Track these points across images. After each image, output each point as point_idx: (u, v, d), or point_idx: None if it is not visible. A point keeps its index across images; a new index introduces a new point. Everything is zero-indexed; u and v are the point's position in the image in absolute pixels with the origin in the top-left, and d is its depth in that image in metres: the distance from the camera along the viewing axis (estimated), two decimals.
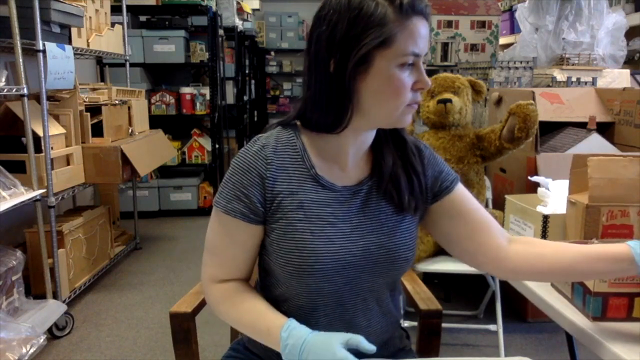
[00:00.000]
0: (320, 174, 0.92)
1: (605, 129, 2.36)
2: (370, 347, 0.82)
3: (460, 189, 1.01)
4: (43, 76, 2.21)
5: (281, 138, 0.93)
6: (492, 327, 2.17)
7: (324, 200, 0.92)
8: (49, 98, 2.41)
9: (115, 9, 3.35)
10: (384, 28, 0.83)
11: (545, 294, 1.12)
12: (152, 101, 4.15)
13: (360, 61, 0.85)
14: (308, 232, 0.89)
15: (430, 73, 3.66)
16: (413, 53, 0.85)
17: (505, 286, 1.77)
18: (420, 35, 0.86)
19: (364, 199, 0.94)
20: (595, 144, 2.21)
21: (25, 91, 2.13)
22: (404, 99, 0.87)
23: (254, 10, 6.47)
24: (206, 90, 4.25)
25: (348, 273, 0.91)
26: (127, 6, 3.50)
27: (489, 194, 2.26)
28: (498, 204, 2.23)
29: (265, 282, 1.00)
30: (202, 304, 1.19)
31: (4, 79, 2.09)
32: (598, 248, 0.91)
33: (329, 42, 0.86)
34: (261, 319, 0.90)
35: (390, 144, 0.97)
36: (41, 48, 2.18)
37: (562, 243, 0.97)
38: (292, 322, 0.87)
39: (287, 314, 0.90)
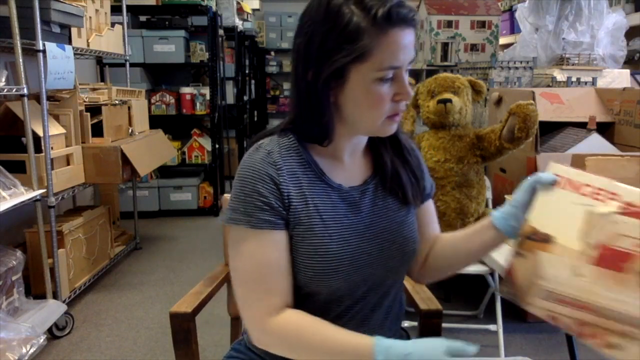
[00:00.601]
0: (328, 175, 0.92)
1: (605, 129, 2.36)
2: (473, 349, 0.77)
3: (430, 202, 1.06)
4: (43, 76, 2.21)
5: (283, 143, 0.91)
6: (492, 327, 2.17)
7: (336, 202, 0.91)
8: (49, 98, 2.41)
9: (115, 9, 3.35)
10: (359, 43, 0.80)
11: None
12: (152, 101, 4.15)
13: (335, 75, 0.83)
14: (327, 236, 0.89)
15: (430, 73, 3.67)
16: (390, 67, 0.82)
17: None
18: (400, 47, 0.82)
19: (372, 198, 0.95)
20: (595, 144, 2.21)
21: (25, 91, 2.13)
22: (382, 111, 0.86)
23: (254, 10, 6.47)
24: (206, 90, 4.25)
25: (364, 271, 0.92)
26: (127, 6, 3.50)
27: (489, 194, 2.27)
28: (498, 204, 2.23)
29: None
30: (202, 304, 1.19)
31: (4, 79, 2.09)
32: (474, 225, 0.97)
33: (306, 53, 0.85)
34: (348, 349, 0.81)
35: (386, 144, 0.98)
36: (41, 48, 2.18)
37: (455, 232, 1.03)
38: (382, 342, 0.79)
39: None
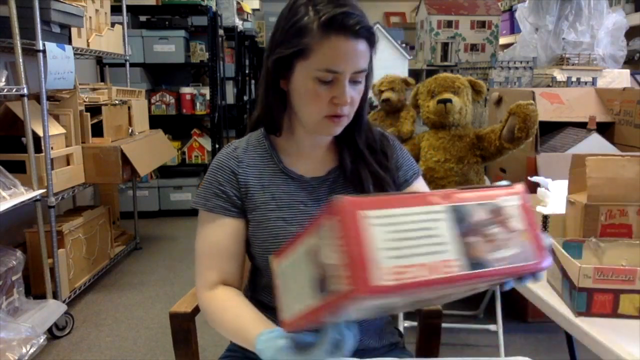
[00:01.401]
0: (289, 167, 1.01)
1: (605, 129, 2.36)
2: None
3: (418, 186, 1.07)
4: (43, 76, 2.21)
5: (251, 140, 1.04)
6: (492, 327, 2.17)
7: (294, 190, 0.99)
8: (49, 98, 2.41)
9: (115, 9, 3.35)
10: (303, 39, 0.87)
11: (544, 294, 1.12)
12: (152, 101, 4.15)
13: (284, 65, 0.91)
14: (281, 220, 0.96)
15: (430, 73, 3.67)
16: (328, 70, 0.87)
17: None
18: (339, 54, 0.86)
19: (332, 187, 1.01)
20: (595, 144, 2.21)
21: (25, 91, 2.13)
22: (318, 109, 0.91)
23: (254, 10, 6.47)
24: (206, 90, 4.25)
25: None
26: (127, 6, 3.50)
27: None
28: None
29: (252, 274, 1.07)
30: None
31: (4, 79, 2.09)
32: None
33: (270, 42, 0.95)
34: (243, 333, 0.87)
35: (349, 142, 1.02)
36: (41, 48, 2.18)
37: None
38: (265, 334, 0.80)
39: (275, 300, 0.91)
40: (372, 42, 0.90)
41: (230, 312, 0.92)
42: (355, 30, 0.86)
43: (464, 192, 0.62)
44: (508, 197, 0.64)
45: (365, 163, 1.01)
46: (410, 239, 0.57)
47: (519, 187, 0.65)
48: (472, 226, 0.60)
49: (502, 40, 4.36)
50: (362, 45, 0.87)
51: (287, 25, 0.90)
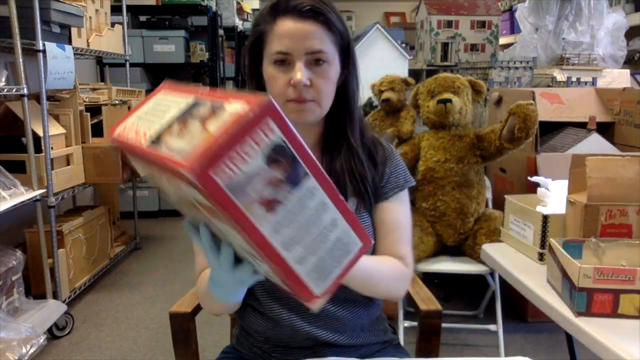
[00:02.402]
0: None
1: (605, 129, 2.36)
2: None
3: (394, 202, 1.00)
4: (43, 76, 2.21)
5: None
6: (492, 327, 2.17)
7: None
8: (49, 98, 2.41)
9: (115, 9, 3.35)
10: (259, 27, 0.93)
11: (544, 293, 1.12)
12: None
13: (253, 53, 0.95)
14: None
15: (430, 73, 3.66)
16: (278, 52, 0.89)
17: (505, 286, 1.77)
18: (286, 34, 0.89)
19: None
20: (595, 144, 2.21)
21: (25, 91, 2.13)
22: (280, 93, 0.91)
23: (254, 10, 6.47)
24: None
25: None
26: (127, 6, 3.50)
27: (489, 194, 2.26)
28: (498, 204, 2.23)
29: None
30: None
31: (4, 79, 2.09)
32: None
33: None
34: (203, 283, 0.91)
35: (335, 145, 0.99)
36: (41, 48, 2.18)
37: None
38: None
39: (259, 295, 0.99)
40: (328, 25, 0.90)
41: (204, 278, 0.94)
42: (299, 10, 0.88)
43: (220, 92, 0.61)
44: (238, 103, 0.56)
45: (343, 169, 0.98)
46: (152, 115, 0.66)
47: (261, 101, 0.54)
48: (187, 116, 0.60)
49: (502, 40, 4.36)
50: (311, 26, 0.88)
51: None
